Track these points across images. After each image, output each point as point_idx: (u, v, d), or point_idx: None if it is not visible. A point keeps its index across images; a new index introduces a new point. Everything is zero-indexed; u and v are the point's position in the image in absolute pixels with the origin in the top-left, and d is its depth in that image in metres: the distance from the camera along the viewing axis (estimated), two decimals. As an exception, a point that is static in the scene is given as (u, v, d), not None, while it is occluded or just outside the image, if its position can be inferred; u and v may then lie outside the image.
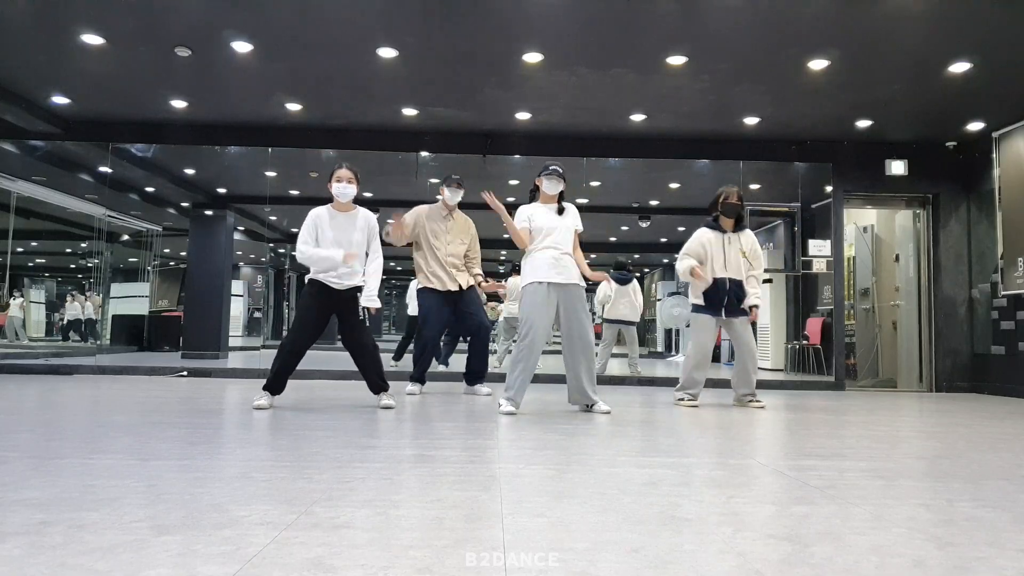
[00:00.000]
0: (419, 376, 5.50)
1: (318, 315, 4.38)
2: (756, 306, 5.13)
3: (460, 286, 5.39)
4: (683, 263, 5.13)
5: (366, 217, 4.48)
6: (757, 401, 5.12)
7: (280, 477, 2.31)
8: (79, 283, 14.57)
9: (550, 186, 4.51)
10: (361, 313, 4.42)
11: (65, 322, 14.00)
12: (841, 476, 2.55)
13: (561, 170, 4.52)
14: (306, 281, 4.41)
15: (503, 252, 12.82)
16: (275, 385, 4.37)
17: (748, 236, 5.22)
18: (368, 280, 4.44)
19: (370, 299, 4.42)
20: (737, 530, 1.79)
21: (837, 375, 7.55)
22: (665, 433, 3.62)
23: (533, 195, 4.65)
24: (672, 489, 2.26)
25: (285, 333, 17.71)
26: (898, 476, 2.59)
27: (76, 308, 13.95)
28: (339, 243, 4.32)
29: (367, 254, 4.48)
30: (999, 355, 7.09)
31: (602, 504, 2.03)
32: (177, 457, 2.63)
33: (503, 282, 8.77)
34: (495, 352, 9.08)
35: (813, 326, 8.35)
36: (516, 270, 9.21)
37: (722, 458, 2.92)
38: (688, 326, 12.31)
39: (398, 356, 8.67)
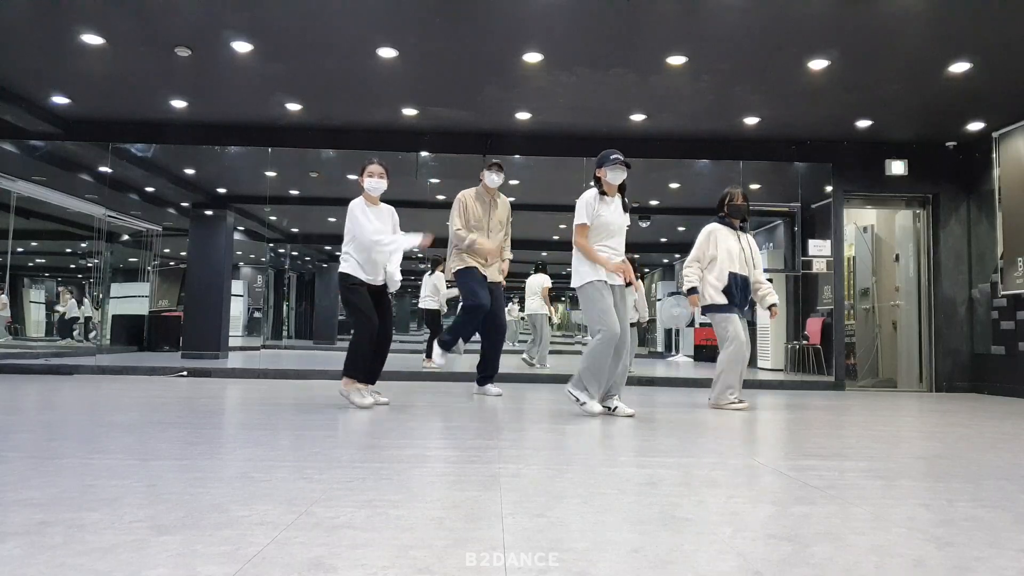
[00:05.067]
0: (452, 341, 5.28)
1: (369, 300, 4.53)
2: (775, 304, 5.14)
3: (490, 276, 5.33)
4: (687, 274, 5.08)
5: (391, 211, 4.69)
6: (742, 401, 5.11)
7: (280, 477, 2.31)
8: (79, 283, 14.56)
9: (614, 176, 4.31)
10: (392, 300, 4.67)
11: (66, 318, 13.99)
12: (841, 476, 2.55)
13: (623, 157, 4.31)
14: (344, 275, 4.47)
15: (543, 254, 12.80)
16: (364, 371, 4.49)
17: (750, 238, 5.25)
18: (391, 267, 4.60)
19: (395, 282, 4.59)
20: (737, 530, 1.79)
21: (837, 375, 7.55)
22: (665, 433, 3.62)
23: (597, 185, 4.38)
24: (672, 489, 2.26)
25: (285, 333, 17.71)
26: (898, 476, 2.59)
27: (73, 305, 13.95)
28: (380, 234, 4.49)
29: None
30: (999, 355, 7.09)
31: (602, 504, 2.03)
32: (177, 457, 2.63)
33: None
34: (525, 360, 9.11)
35: (813, 326, 8.35)
36: (538, 268, 9.27)
37: (722, 458, 2.92)
38: (689, 326, 12.37)
39: (430, 354, 8.63)
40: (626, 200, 4.46)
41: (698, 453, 3.05)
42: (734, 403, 4.91)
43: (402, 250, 4.54)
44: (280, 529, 1.69)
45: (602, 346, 4.19)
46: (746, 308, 5.14)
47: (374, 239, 4.39)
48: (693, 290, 5.08)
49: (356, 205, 4.50)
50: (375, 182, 4.52)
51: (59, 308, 14.16)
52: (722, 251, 5.02)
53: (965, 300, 7.60)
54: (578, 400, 4.28)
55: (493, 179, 5.36)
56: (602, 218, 4.30)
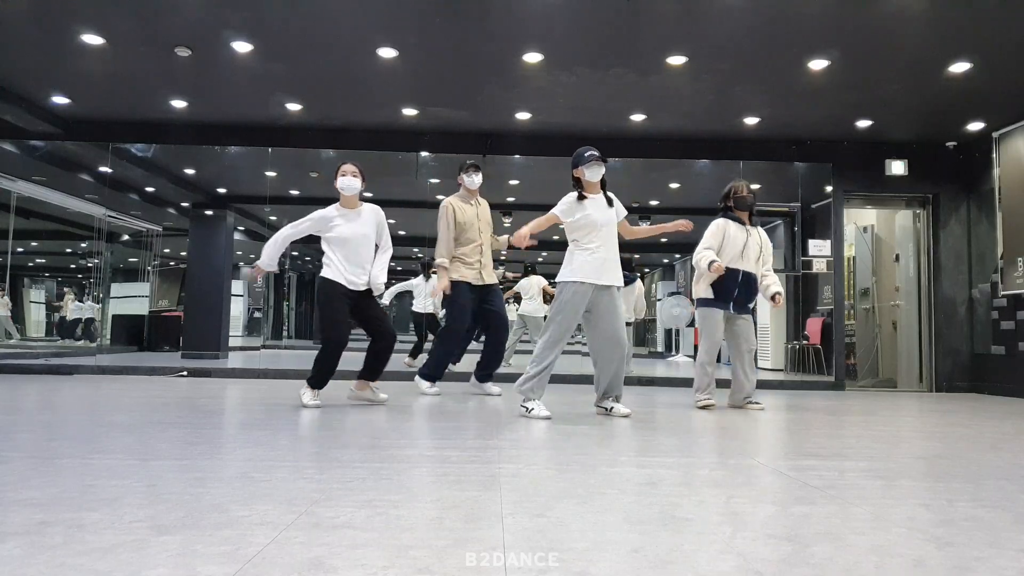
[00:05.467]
0: (438, 374, 5.36)
1: (345, 308, 4.43)
2: (779, 292, 5.02)
3: (485, 280, 5.28)
4: (703, 254, 4.92)
5: (374, 211, 4.59)
6: (756, 403, 5.04)
7: (280, 477, 2.31)
8: (79, 283, 14.56)
9: (593, 173, 4.23)
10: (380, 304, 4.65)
11: (68, 319, 14.00)
12: (841, 476, 2.55)
13: (599, 153, 4.26)
14: (324, 280, 4.40)
15: (542, 255, 12.76)
16: (322, 382, 4.48)
17: (762, 233, 5.12)
18: (375, 270, 4.51)
19: (376, 286, 4.50)
20: (737, 530, 1.79)
21: (837, 375, 7.55)
22: (665, 433, 3.62)
23: (577, 186, 4.31)
24: (672, 489, 2.26)
25: (285, 333, 17.71)
26: (898, 476, 2.59)
27: (75, 307, 13.95)
28: (355, 237, 4.40)
29: (376, 247, 4.59)
30: (999, 355, 7.08)
31: (602, 504, 2.03)
32: (177, 457, 2.63)
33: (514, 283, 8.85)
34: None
35: (813, 326, 8.36)
36: (529, 270, 9.31)
37: (722, 458, 2.92)
38: (689, 325, 12.38)
39: (414, 354, 8.67)
40: (609, 195, 4.36)
41: (698, 453, 3.05)
42: (701, 400, 4.92)
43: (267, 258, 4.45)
44: (280, 529, 1.69)
45: (546, 348, 4.19)
46: (751, 305, 5.02)
47: (282, 233, 4.42)
48: (712, 261, 4.81)
49: (320, 214, 4.44)
50: (348, 180, 4.44)
51: (59, 306, 14.15)
52: (726, 246, 4.93)
53: (965, 300, 7.60)
54: (527, 410, 4.19)
55: (474, 180, 5.30)
56: (589, 216, 4.20)
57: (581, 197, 4.25)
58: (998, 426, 4.34)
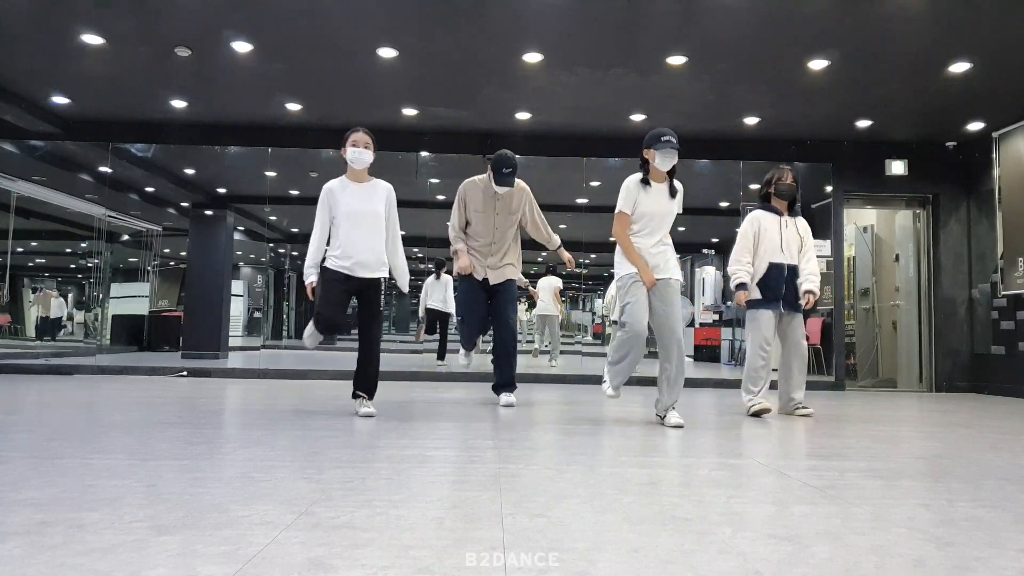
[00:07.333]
0: (467, 346, 5.10)
1: (338, 295, 4.02)
2: (811, 291, 4.59)
3: (492, 279, 4.72)
4: (733, 270, 4.67)
5: (386, 188, 4.15)
6: (805, 409, 4.62)
7: (280, 477, 2.31)
8: (79, 283, 14.56)
9: (664, 161, 3.84)
10: (382, 303, 4.14)
11: (51, 318, 13.97)
12: (841, 476, 2.55)
13: (676, 139, 3.84)
14: (322, 268, 4.08)
15: (542, 255, 12.74)
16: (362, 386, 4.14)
17: (803, 223, 4.79)
18: (395, 262, 4.13)
19: (403, 283, 4.17)
20: (737, 530, 1.78)
21: (837, 375, 7.55)
22: (665, 433, 3.62)
23: (644, 168, 3.97)
24: (672, 489, 2.26)
25: (285, 333, 17.68)
26: (898, 476, 2.59)
27: (58, 306, 13.89)
28: (359, 214, 3.99)
29: (387, 229, 4.14)
30: (999, 355, 7.08)
31: (602, 504, 2.03)
32: (177, 457, 2.63)
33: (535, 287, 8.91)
34: (531, 352, 9.08)
35: (813, 326, 8.35)
36: (549, 271, 9.36)
37: (722, 458, 2.92)
38: (689, 325, 12.37)
39: (441, 355, 8.70)
40: (675, 184, 4.00)
41: (698, 453, 3.05)
42: (751, 406, 4.57)
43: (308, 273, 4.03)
44: (280, 529, 1.69)
45: (618, 343, 3.99)
46: (802, 303, 4.63)
47: (311, 247, 4.03)
48: (742, 285, 4.58)
49: (324, 190, 4.02)
50: (359, 152, 3.99)
51: (35, 305, 14.06)
52: (763, 240, 4.65)
53: (965, 300, 7.60)
54: (603, 379, 4.20)
55: (499, 191, 4.64)
56: (639, 208, 3.91)
57: (645, 182, 3.93)
58: (998, 426, 4.34)
